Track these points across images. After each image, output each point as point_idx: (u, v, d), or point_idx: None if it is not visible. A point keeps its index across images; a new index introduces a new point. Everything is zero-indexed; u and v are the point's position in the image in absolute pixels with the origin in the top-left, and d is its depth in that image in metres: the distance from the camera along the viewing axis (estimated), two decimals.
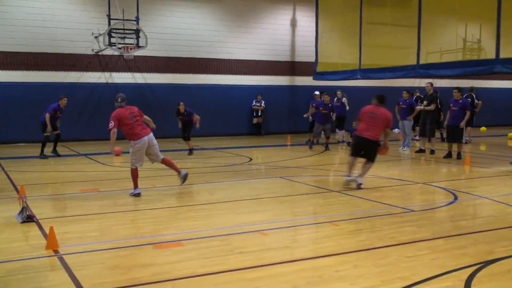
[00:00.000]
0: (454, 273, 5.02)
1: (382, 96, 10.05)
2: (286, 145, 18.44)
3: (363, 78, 19.66)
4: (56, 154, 14.87)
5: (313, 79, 21.83)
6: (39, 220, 7.06)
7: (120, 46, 18.03)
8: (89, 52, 19.69)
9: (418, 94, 18.66)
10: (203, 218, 7.37)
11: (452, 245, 5.96)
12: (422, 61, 16.55)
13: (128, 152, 9.14)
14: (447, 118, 14.37)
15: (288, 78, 23.64)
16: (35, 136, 15.17)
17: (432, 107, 15.11)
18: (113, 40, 17.94)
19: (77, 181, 10.72)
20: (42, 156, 14.33)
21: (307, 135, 18.89)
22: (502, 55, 13.89)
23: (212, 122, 20.97)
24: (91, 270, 5.17)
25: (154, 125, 9.50)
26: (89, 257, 5.60)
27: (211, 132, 21.23)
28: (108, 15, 18.27)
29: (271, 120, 23.10)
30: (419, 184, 10.35)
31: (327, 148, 16.65)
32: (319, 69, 21.44)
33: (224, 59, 22.20)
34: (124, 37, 18.27)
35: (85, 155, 15.29)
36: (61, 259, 5.45)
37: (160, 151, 9.37)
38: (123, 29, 18.30)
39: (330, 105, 16.76)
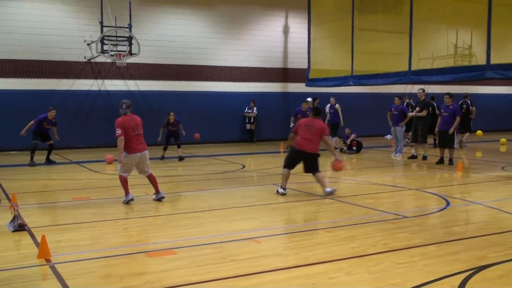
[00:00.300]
0: (446, 279, 5.03)
1: (318, 109, 10.32)
2: (279, 152, 18.45)
3: (355, 84, 19.75)
4: (49, 162, 14.87)
5: (306, 85, 21.90)
6: (31, 229, 7.02)
7: (112, 53, 18.01)
8: (82, 59, 19.66)
9: (408, 101, 18.74)
10: (196, 226, 7.35)
11: (444, 251, 5.97)
12: (414, 67, 16.65)
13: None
14: (437, 124, 14.45)
15: (280, 84, 23.69)
16: (27, 144, 15.11)
17: (424, 113, 15.17)
18: (105, 47, 17.92)
19: (69, 189, 10.67)
20: (31, 163, 14.33)
21: None
22: (493, 61, 14.00)
23: (205, 129, 20.95)
24: (84, 279, 5.14)
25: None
26: (82, 266, 5.57)
27: (204, 139, 21.17)
28: (101, 22, 18.26)
29: (264, 127, 23.11)
30: (412, 190, 10.38)
31: None
32: (311, 75, 21.50)
33: (217, 66, 22.22)
34: (117, 44, 18.25)
35: (78, 162, 15.24)
36: (53, 268, 5.42)
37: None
38: (116, 36, 18.28)
39: (307, 111, 16.72)
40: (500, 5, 14.30)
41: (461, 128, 19.46)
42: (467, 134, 19.41)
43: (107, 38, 18.04)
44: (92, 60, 19.73)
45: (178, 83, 21.46)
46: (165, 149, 15.87)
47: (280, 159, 16.38)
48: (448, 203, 8.86)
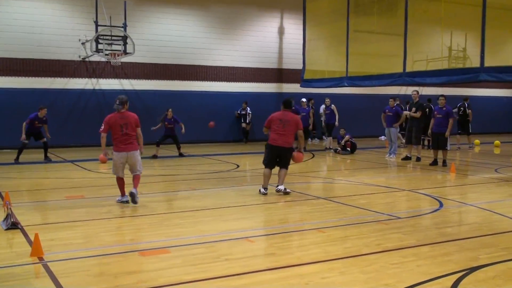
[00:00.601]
0: (439, 280, 5.05)
1: (289, 101, 10.03)
2: None
3: (350, 85, 19.79)
4: (48, 160, 14.96)
5: (300, 86, 21.91)
6: (24, 227, 6.99)
7: (107, 52, 17.97)
8: (76, 58, 19.60)
9: (398, 103, 18.81)
10: (190, 225, 7.35)
11: (437, 252, 5.99)
12: (408, 69, 16.69)
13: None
14: (431, 125, 14.50)
15: (275, 85, 23.70)
16: (20, 143, 15.07)
17: (418, 114, 15.23)
18: (100, 46, 17.87)
19: (63, 187, 10.65)
20: (16, 162, 14.44)
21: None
22: (487, 63, 14.06)
23: (199, 129, 20.94)
24: (76, 277, 5.12)
25: (141, 145, 9.00)
26: (74, 264, 5.55)
27: (198, 138, 21.20)
28: (96, 22, 18.21)
29: (258, 127, 23.06)
30: (405, 191, 10.41)
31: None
32: (306, 76, 21.52)
33: (212, 66, 22.21)
34: (112, 44, 18.21)
35: (71, 161, 15.19)
36: (46, 267, 5.40)
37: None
38: (111, 36, 18.24)
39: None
40: (495, 8, 14.38)
41: (459, 130, 19.65)
42: (458, 137, 19.61)
43: (101, 37, 17.99)
44: (87, 59, 19.68)
45: (173, 83, 21.43)
46: (158, 145, 15.91)
47: None
48: (441, 205, 8.90)
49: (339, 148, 17.88)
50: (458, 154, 17.95)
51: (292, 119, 9.70)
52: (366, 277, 5.13)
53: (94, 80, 20.08)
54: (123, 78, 20.57)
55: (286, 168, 9.82)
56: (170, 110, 16.44)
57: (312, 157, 16.60)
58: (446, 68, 16.18)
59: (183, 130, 16.61)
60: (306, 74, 21.54)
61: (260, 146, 20.87)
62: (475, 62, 14.79)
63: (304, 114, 18.48)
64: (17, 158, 14.57)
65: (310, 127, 19.40)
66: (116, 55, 18.12)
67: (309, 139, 20.46)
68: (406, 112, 16.03)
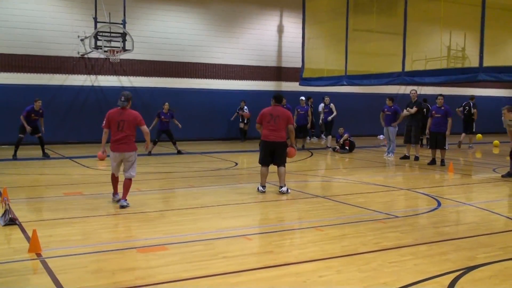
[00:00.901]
0: (436, 279, 5.06)
1: (279, 96, 9.98)
2: None
3: (349, 84, 19.81)
4: (46, 156, 14.94)
5: (299, 84, 21.93)
6: (22, 223, 6.99)
7: (106, 49, 17.94)
8: (75, 54, 19.58)
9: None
10: (188, 223, 7.36)
11: (434, 251, 6.00)
12: (407, 69, 16.72)
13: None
14: (428, 125, 14.51)
15: (274, 83, 23.69)
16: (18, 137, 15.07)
17: (413, 110, 15.27)
18: (99, 43, 17.83)
19: (61, 184, 10.64)
20: (14, 157, 14.42)
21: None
22: (486, 63, 14.09)
23: (198, 126, 20.97)
24: (74, 273, 5.13)
25: (148, 142, 8.83)
26: (72, 261, 5.55)
27: (197, 136, 21.20)
28: (95, 18, 18.18)
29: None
30: (403, 190, 10.42)
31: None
32: (305, 75, 21.54)
33: (211, 64, 22.20)
34: (110, 40, 18.18)
35: (70, 158, 15.18)
36: (44, 263, 5.41)
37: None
38: (110, 32, 18.21)
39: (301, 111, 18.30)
40: (494, 8, 14.40)
41: (464, 129, 19.68)
42: (463, 135, 19.64)
43: (100, 34, 17.95)
44: (86, 56, 19.65)
45: (172, 80, 21.42)
46: (154, 143, 15.90)
47: None
48: (439, 204, 8.91)
49: (337, 147, 17.89)
50: (457, 153, 17.96)
51: (283, 113, 9.67)
52: (363, 275, 5.14)
53: (93, 77, 20.06)
54: (121, 75, 20.55)
55: (284, 165, 9.80)
56: (167, 104, 16.46)
57: (311, 156, 16.60)
58: (445, 67, 16.20)
59: (180, 125, 16.76)
60: (305, 72, 21.56)
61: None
62: (474, 62, 14.82)
63: (303, 112, 18.52)
64: (15, 154, 14.54)
65: (309, 125, 19.40)
66: (115, 52, 18.08)
67: (308, 138, 20.45)
68: (404, 113, 16.01)
